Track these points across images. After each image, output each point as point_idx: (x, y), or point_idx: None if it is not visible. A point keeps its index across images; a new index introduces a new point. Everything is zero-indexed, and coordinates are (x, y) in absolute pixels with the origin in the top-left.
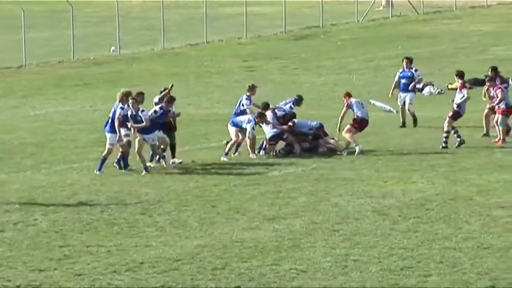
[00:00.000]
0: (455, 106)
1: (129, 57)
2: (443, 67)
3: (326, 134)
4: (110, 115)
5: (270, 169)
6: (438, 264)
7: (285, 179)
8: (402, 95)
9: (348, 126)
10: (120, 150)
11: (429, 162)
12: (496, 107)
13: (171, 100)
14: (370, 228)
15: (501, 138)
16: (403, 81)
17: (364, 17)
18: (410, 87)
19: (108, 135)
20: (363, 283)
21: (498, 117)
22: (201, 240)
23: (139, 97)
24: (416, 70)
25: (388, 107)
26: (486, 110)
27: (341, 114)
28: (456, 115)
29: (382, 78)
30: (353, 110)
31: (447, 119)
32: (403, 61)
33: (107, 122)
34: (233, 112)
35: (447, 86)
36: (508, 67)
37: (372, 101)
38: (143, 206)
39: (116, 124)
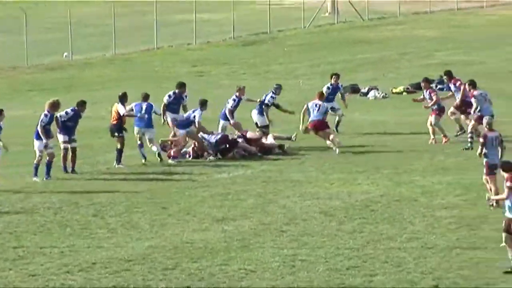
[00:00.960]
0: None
1: (81, 62)
2: (388, 72)
3: (233, 143)
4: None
5: (219, 172)
6: (383, 263)
7: (234, 181)
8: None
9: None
10: (47, 158)
11: (374, 164)
12: (431, 108)
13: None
14: (317, 229)
15: (444, 135)
16: (330, 95)
17: (311, 23)
18: (345, 103)
19: (36, 142)
20: (310, 282)
21: (432, 117)
22: (152, 241)
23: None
24: (342, 85)
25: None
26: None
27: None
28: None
29: (328, 83)
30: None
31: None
32: (331, 77)
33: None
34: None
35: (392, 90)
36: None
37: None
38: (95, 208)
39: (40, 131)
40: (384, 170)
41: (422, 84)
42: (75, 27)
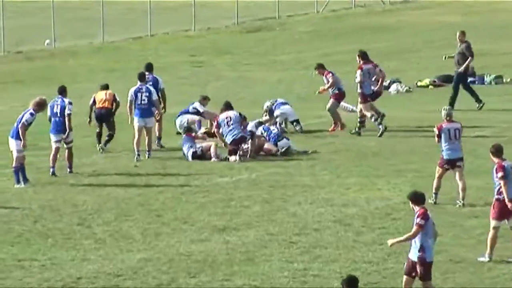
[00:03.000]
0: (359, 89)
1: (65, 51)
2: (411, 62)
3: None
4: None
5: (221, 175)
6: None
7: (237, 186)
8: None
9: None
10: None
11: (396, 167)
12: (330, 92)
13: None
14: (331, 240)
15: (334, 124)
16: None
17: (325, 7)
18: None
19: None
20: None
21: (329, 102)
22: (144, 253)
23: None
24: None
25: (351, 107)
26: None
27: None
28: (365, 97)
29: (342, 75)
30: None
31: (361, 105)
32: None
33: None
34: None
35: (416, 84)
36: (478, 62)
37: None
38: (80, 215)
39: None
40: (407, 173)
41: (317, 72)
42: (58, 11)
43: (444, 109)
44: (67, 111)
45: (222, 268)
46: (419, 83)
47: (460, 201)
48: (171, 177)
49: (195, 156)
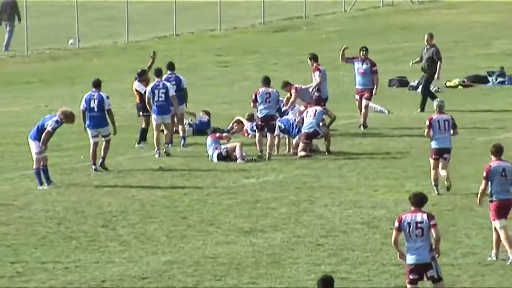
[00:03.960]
0: (316, 92)
1: (89, 51)
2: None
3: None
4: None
5: (247, 176)
6: None
7: (263, 187)
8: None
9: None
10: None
11: (424, 168)
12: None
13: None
14: (359, 242)
15: None
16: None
17: (352, 6)
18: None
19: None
20: None
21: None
22: (169, 256)
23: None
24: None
25: (379, 107)
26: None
27: None
28: (320, 101)
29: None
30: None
31: None
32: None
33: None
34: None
35: (445, 84)
36: (509, 62)
37: None
38: (105, 217)
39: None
40: None
41: (284, 90)
42: (82, 10)
43: (436, 101)
44: (107, 107)
45: (248, 271)
46: (448, 83)
47: (446, 184)
48: (196, 179)
49: (220, 157)
